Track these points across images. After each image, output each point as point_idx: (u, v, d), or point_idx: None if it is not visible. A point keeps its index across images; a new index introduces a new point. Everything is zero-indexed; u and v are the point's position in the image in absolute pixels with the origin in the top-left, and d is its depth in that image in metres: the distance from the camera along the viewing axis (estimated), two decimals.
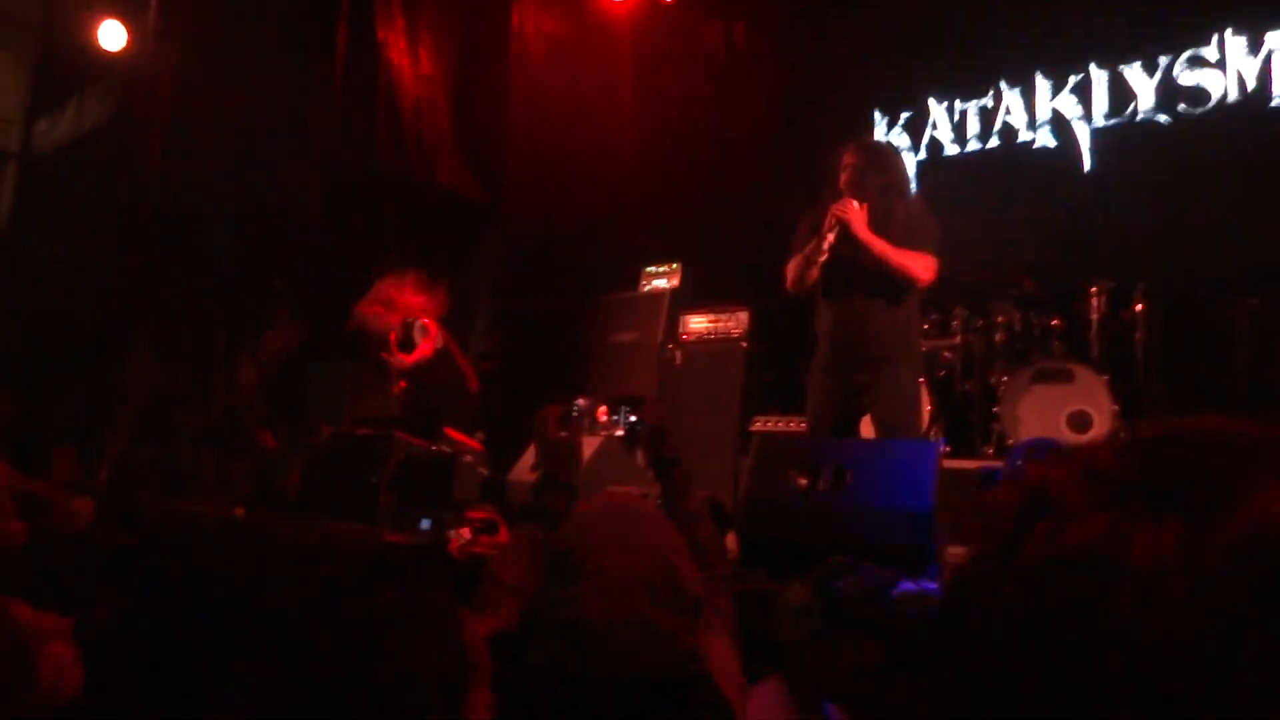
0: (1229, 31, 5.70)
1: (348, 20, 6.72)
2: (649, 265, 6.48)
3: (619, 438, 3.50)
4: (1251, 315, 4.80)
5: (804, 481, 3.29)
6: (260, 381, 6.30)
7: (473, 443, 4.46)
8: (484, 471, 4.24)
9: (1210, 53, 5.77)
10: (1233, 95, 5.68)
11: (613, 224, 7.11)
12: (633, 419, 1.80)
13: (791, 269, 4.04)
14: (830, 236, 3.85)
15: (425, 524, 3.86)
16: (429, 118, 7.04)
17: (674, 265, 6.35)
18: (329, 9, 6.78)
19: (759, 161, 7.02)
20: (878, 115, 7.08)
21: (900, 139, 6.95)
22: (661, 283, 6.38)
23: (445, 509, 3.98)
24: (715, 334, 6.04)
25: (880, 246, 3.80)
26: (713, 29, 7.62)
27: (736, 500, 3.47)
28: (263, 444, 4.94)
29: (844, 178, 3.96)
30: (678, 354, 6.06)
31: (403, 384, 5.14)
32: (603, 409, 3.52)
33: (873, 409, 3.89)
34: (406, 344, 5.31)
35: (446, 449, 4.18)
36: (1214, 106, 5.74)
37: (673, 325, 6.12)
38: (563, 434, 1.88)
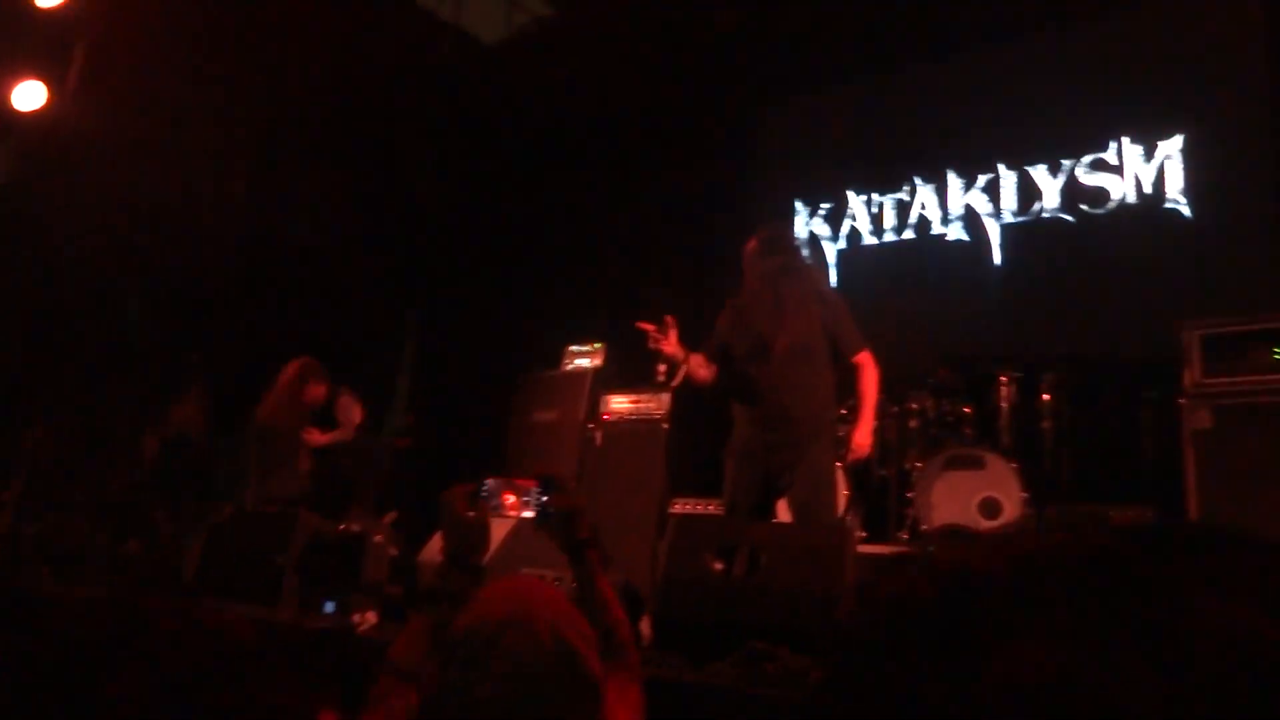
0: (1126, 139, 6.04)
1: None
2: (572, 344, 6.47)
3: (530, 519, 3.43)
4: (1153, 405, 4.97)
5: (719, 565, 3.26)
6: (163, 457, 6.05)
7: (384, 521, 4.33)
8: (394, 551, 4.11)
9: (1110, 157, 6.10)
10: (1130, 197, 5.99)
11: (539, 302, 7.11)
12: (544, 499, 1.74)
13: (692, 363, 4.10)
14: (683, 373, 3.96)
15: (329, 607, 3.70)
16: None
17: (597, 345, 6.35)
18: None
19: (686, 243, 7.13)
20: (799, 205, 7.29)
21: (821, 228, 7.15)
22: (584, 362, 6.36)
23: (352, 590, 3.84)
24: (637, 414, 6.02)
25: (868, 416, 4.05)
26: (639, 120, 7.80)
27: (654, 583, 3.42)
28: (157, 523, 4.72)
29: (760, 257, 4.08)
30: (599, 434, 6.02)
31: (313, 461, 5.00)
32: (510, 491, 3.44)
33: (789, 492, 3.90)
34: (326, 421, 5.20)
35: (355, 528, 4.05)
36: (1114, 207, 6.04)
37: (594, 405, 6.09)
38: (471, 514, 1.82)
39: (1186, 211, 5.79)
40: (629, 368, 6.33)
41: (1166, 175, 5.88)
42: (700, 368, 4.11)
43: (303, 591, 3.97)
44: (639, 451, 5.89)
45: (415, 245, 7.26)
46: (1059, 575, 0.44)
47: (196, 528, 4.64)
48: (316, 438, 5.25)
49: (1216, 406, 4.40)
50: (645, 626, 3.12)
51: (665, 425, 5.88)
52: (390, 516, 4.56)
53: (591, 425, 6.06)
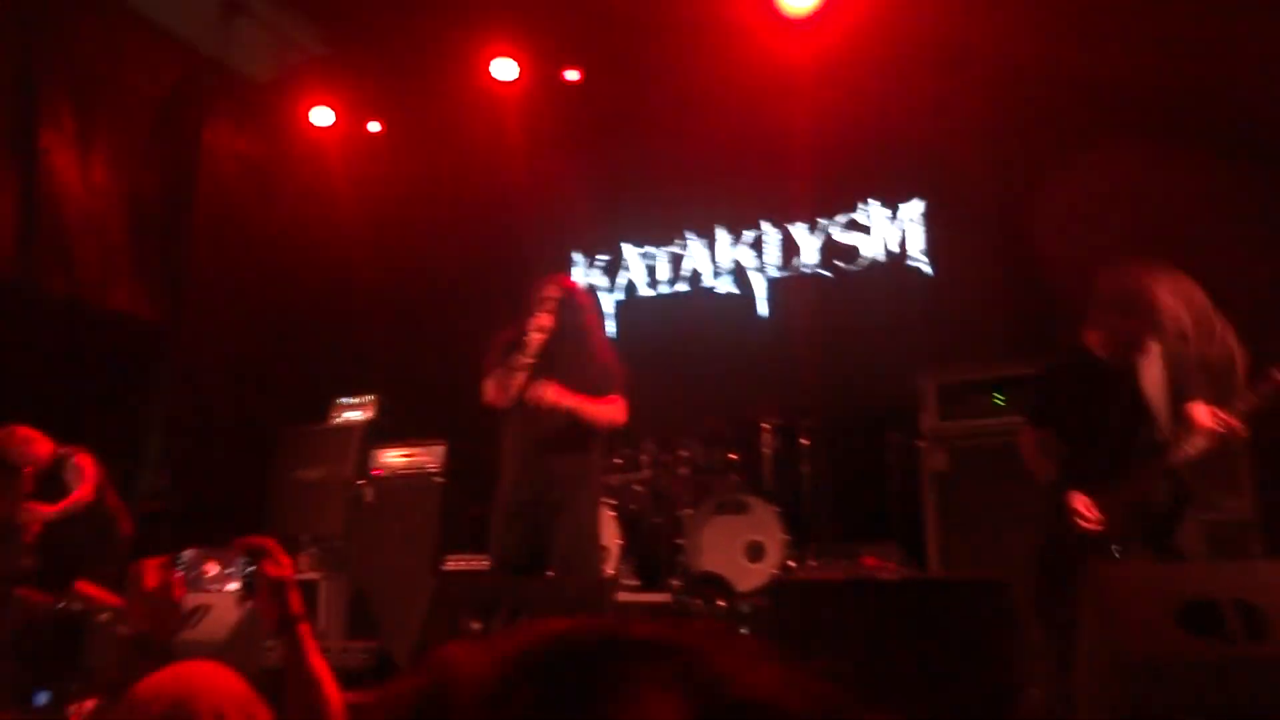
0: (874, 202, 6.53)
1: (3, 125, 6.10)
2: (341, 396, 6.22)
3: (237, 592, 3.20)
4: (897, 449, 5.33)
5: (478, 624, 3.19)
6: None
7: (113, 598, 3.94)
8: (126, 630, 3.74)
9: (860, 218, 6.57)
10: (879, 256, 6.47)
11: (304, 353, 6.79)
12: (250, 569, 1.60)
13: (492, 384, 4.02)
14: (532, 340, 3.89)
15: (42, 698, 3.32)
16: (99, 233, 6.46)
17: (368, 397, 6.12)
18: None
19: (461, 294, 7.04)
20: (577, 256, 7.38)
21: (599, 280, 7.27)
22: (354, 415, 6.12)
23: (73, 677, 3.46)
24: (410, 469, 5.84)
25: (580, 408, 3.90)
26: (418, 163, 7.68)
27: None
28: None
29: (547, 308, 4.05)
30: (369, 491, 5.79)
31: (37, 531, 4.49)
32: (213, 562, 3.19)
33: (553, 547, 3.87)
34: (54, 486, 4.69)
35: (77, 605, 3.66)
36: (865, 264, 6.50)
37: (364, 460, 5.86)
38: (159, 590, 1.67)
39: (927, 269, 6.30)
40: (402, 420, 6.15)
41: (909, 236, 6.40)
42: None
43: (16, 679, 3.55)
44: (412, 507, 5.72)
45: (171, 291, 6.77)
46: (530, 679, 0.45)
47: None
48: (42, 510, 4.71)
49: (951, 449, 4.78)
50: None
51: (440, 479, 5.74)
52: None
53: (362, 482, 5.82)
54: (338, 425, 6.12)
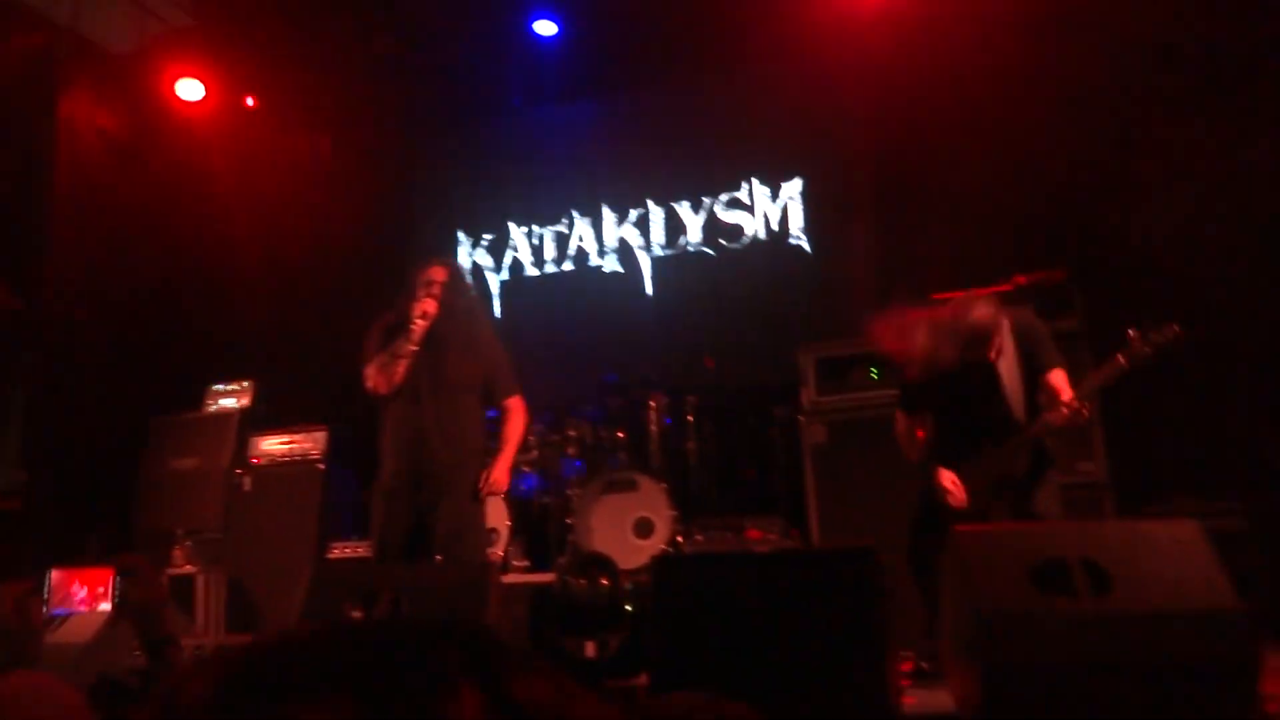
0: (755, 181, 6.64)
1: None
2: (216, 383, 5.99)
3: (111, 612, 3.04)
4: (780, 424, 5.46)
5: (359, 612, 3.14)
6: None
7: None
8: None
9: (743, 196, 6.67)
10: (761, 234, 6.58)
11: (175, 338, 6.51)
12: (123, 589, 1.54)
13: (372, 371, 3.95)
14: (417, 327, 3.82)
15: None
16: None
17: (245, 383, 5.92)
18: None
19: (342, 276, 6.86)
20: (462, 235, 7.28)
21: (483, 259, 7.19)
22: (230, 402, 5.91)
23: None
24: (291, 456, 5.69)
25: (508, 458, 4.03)
26: (297, 140, 7.44)
27: None
28: None
29: (431, 291, 3.98)
30: (248, 479, 5.61)
31: None
32: (78, 582, 3.00)
33: (435, 529, 3.84)
34: None
35: None
36: (747, 242, 6.60)
37: (242, 448, 5.68)
38: (18, 617, 1.58)
39: (807, 247, 6.45)
40: (282, 406, 5.97)
41: (790, 214, 6.53)
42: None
43: None
44: (293, 495, 5.58)
45: (28, 273, 6.39)
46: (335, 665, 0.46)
47: None
48: None
49: (829, 422, 4.92)
50: None
51: (321, 466, 5.61)
52: None
53: (239, 471, 5.64)
54: (213, 413, 5.91)
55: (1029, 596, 2.38)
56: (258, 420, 5.81)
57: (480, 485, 3.92)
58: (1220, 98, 5.05)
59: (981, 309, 3.36)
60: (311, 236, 7.03)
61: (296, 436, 5.67)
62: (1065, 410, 3.22)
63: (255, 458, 5.66)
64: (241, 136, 7.13)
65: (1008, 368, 3.45)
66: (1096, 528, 3.37)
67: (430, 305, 3.93)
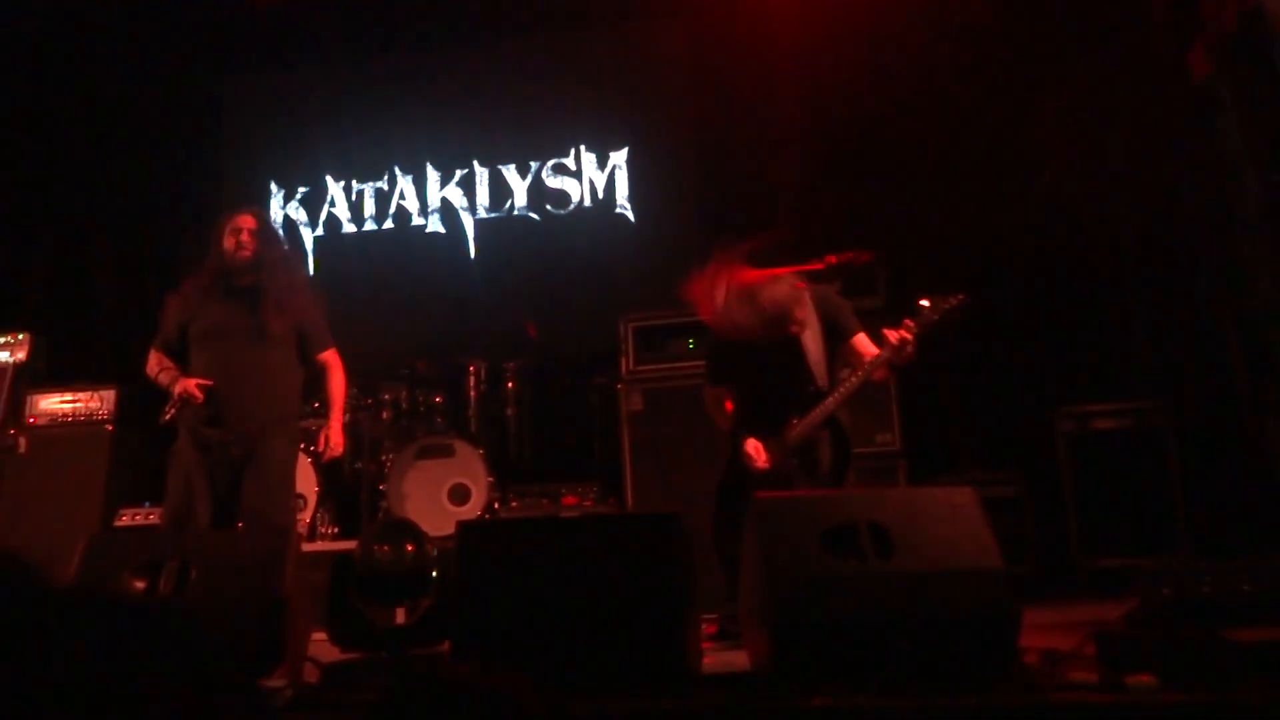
0: (583, 147, 6.61)
1: None
2: None
3: None
4: (600, 391, 5.50)
5: (142, 584, 2.95)
6: None
7: None
8: None
9: (570, 163, 6.63)
10: (587, 201, 6.57)
11: None
12: None
13: (154, 365, 3.85)
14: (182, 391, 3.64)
15: None
16: None
17: (20, 336, 5.41)
18: None
19: (139, 221, 6.38)
20: (274, 187, 6.90)
21: (297, 213, 6.85)
22: (3, 355, 5.39)
23: None
24: (75, 415, 5.28)
25: (339, 420, 3.98)
26: (100, 68, 6.81)
27: None
28: None
29: (241, 240, 3.79)
30: (23, 440, 5.16)
31: None
32: None
33: (242, 493, 3.66)
34: None
35: None
36: (573, 209, 6.58)
37: (17, 406, 5.20)
38: None
39: (631, 217, 6.49)
40: (65, 361, 5.51)
41: (617, 182, 6.55)
42: (162, 370, 3.76)
43: None
44: (77, 458, 5.18)
45: None
46: None
47: None
48: None
49: (646, 390, 5.00)
50: None
51: (110, 427, 5.23)
52: None
53: (14, 431, 5.17)
54: None
55: (820, 559, 2.50)
56: (36, 377, 5.34)
57: (319, 449, 3.89)
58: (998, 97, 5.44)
59: (780, 288, 3.50)
60: (106, 180, 6.49)
61: (81, 395, 5.25)
62: (894, 339, 3.37)
63: (33, 417, 5.21)
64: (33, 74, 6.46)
65: (813, 338, 3.61)
66: (881, 493, 3.59)
67: (244, 255, 3.78)
